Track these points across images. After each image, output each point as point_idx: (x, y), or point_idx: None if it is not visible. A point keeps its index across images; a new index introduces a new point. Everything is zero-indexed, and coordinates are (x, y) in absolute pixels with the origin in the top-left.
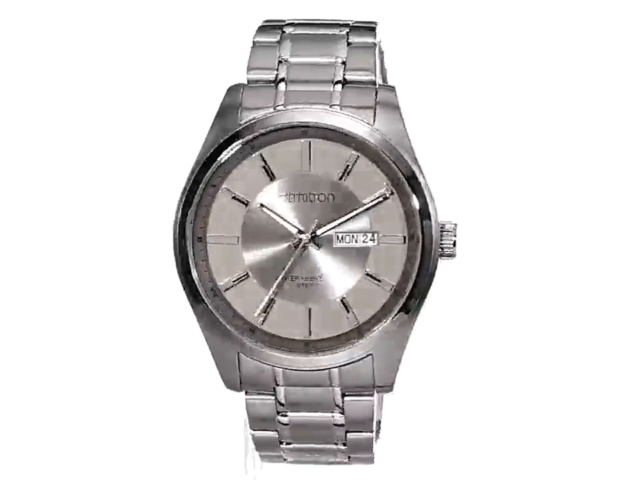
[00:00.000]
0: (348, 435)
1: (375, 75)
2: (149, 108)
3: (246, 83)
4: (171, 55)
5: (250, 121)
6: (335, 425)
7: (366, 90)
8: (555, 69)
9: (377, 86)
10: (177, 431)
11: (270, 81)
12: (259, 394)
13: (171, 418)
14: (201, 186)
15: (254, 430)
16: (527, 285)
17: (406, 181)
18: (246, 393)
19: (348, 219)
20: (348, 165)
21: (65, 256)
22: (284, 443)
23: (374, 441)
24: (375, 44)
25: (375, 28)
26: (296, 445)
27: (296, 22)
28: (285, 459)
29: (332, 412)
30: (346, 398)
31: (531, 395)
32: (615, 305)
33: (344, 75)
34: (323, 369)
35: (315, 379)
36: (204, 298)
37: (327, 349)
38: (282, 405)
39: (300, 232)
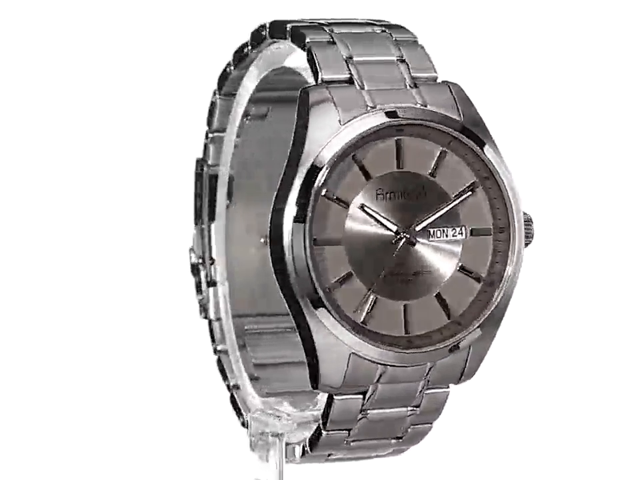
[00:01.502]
0: (411, 427)
1: (436, 72)
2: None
3: (318, 82)
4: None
5: (349, 120)
6: (406, 417)
7: (440, 87)
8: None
9: (443, 82)
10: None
11: (345, 80)
12: (349, 394)
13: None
14: (313, 190)
15: (328, 431)
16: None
17: (492, 173)
18: (336, 394)
19: (441, 215)
20: (438, 161)
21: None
22: (345, 442)
23: None
24: (418, 41)
25: (404, 26)
26: (358, 443)
27: (323, 21)
28: (327, 459)
29: (409, 405)
30: (427, 390)
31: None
32: None
33: (411, 73)
34: (424, 364)
35: (413, 375)
36: (323, 300)
37: (429, 344)
38: (366, 402)
39: (398, 230)
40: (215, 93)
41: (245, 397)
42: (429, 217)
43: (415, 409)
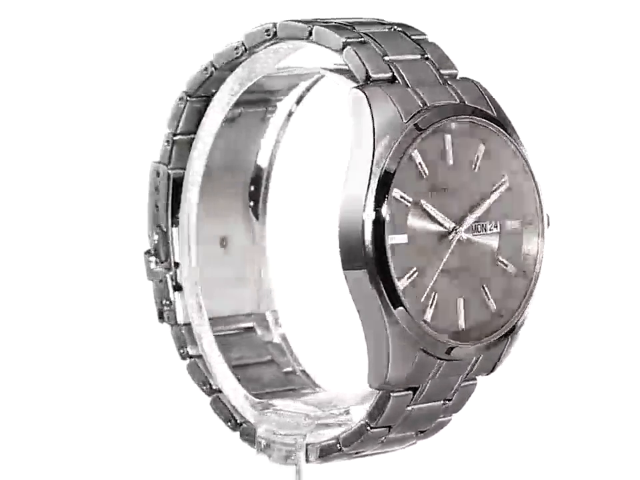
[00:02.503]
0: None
1: (456, 68)
2: None
3: (364, 82)
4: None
5: (410, 118)
6: (440, 411)
7: (467, 83)
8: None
9: (464, 79)
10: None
11: (388, 79)
12: (403, 391)
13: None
14: (390, 191)
15: (373, 429)
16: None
17: (523, 167)
18: (392, 391)
19: (484, 209)
20: (478, 156)
21: None
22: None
23: None
24: (428, 39)
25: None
26: (390, 438)
27: (342, 21)
28: (352, 456)
29: (445, 399)
30: (462, 383)
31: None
32: None
33: (439, 70)
34: (476, 357)
35: (462, 368)
36: (402, 299)
37: (479, 337)
38: (414, 398)
39: (452, 225)
40: (182, 95)
41: (230, 399)
42: (476, 212)
43: (447, 402)
